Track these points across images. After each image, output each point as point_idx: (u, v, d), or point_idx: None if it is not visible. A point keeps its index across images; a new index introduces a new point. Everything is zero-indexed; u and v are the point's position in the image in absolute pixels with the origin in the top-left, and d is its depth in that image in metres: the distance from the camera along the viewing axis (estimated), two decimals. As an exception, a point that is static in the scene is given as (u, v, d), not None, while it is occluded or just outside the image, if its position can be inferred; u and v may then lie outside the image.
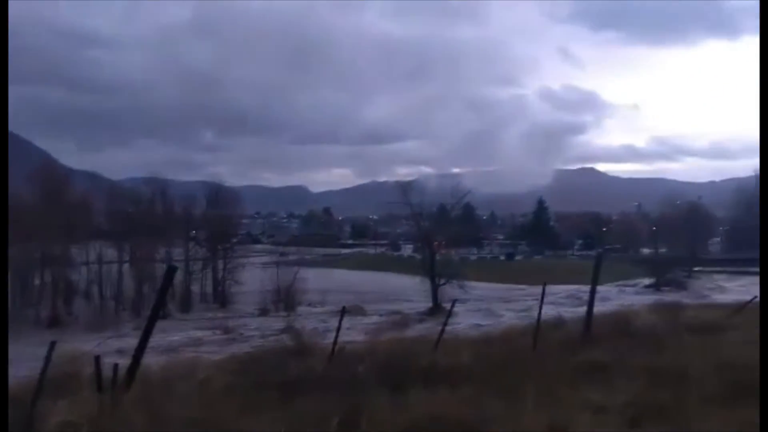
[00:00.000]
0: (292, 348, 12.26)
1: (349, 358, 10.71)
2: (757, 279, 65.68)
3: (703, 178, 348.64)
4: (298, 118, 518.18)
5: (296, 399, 8.25)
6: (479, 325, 27.75)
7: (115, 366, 7.52)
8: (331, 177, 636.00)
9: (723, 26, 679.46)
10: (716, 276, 76.16)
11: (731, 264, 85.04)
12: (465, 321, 34.39)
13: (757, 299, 16.68)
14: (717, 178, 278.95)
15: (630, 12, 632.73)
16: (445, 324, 11.97)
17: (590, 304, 11.96)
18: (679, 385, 7.80)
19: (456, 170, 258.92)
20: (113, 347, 19.95)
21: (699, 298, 42.05)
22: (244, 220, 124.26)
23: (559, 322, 14.11)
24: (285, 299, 55.65)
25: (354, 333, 20.49)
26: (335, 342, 10.68)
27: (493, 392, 8.13)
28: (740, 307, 15.04)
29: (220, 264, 65.19)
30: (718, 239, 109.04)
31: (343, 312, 11.40)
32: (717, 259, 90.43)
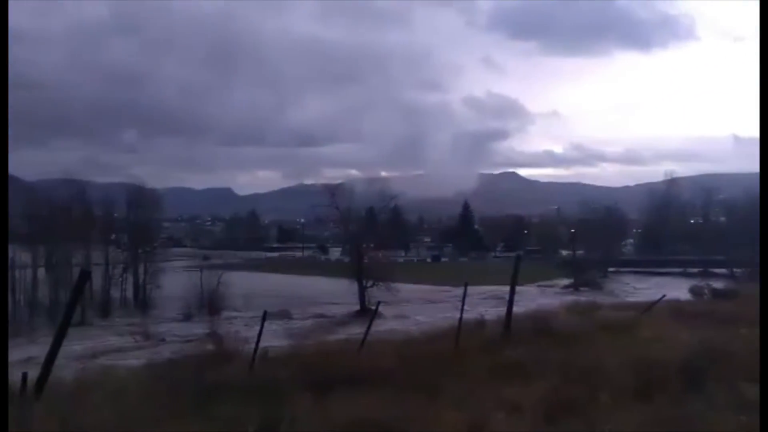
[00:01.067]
0: (212, 353, 12.00)
1: (271, 363, 10.57)
2: (666, 279, 69.27)
3: (618, 182, 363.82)
4: (224, 119, 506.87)
5: (214, 406, 8.07)
6: (404, 327, 27.93)
7: (24, 375, 7.14)
8: (257, 179, 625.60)
9: (634, 39, 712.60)
10: (629, 276, 79.71)
11: (644, 265, 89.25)
12: (391, 323, 34.62)
13: (665, 298, 17.59)
14: (631, 183, 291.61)
15: (545, 23, 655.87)
16: (369, 326, 11.98)
17: (510, 304, 12.25)
18: (592, 381, 8.08)
19: (384, 174, 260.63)
20: (23, 355, 19.00)
21: (613, 298, 43.93)
22: (167, 224, 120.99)
23: (480, 323, 14.37)
24: (209, 304, 54.38)
25: (279, 337, 20.28)
26: (256, 347, 10.51)
27: (415, 393, 8.21)
28: (649, 306, 15.76)
29: (142, 268, 63.15)
30: (632, 241, 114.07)
31: (265, 316, 11.21)
32: (630, 260, 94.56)
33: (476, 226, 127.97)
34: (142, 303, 60.45)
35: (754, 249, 50.95)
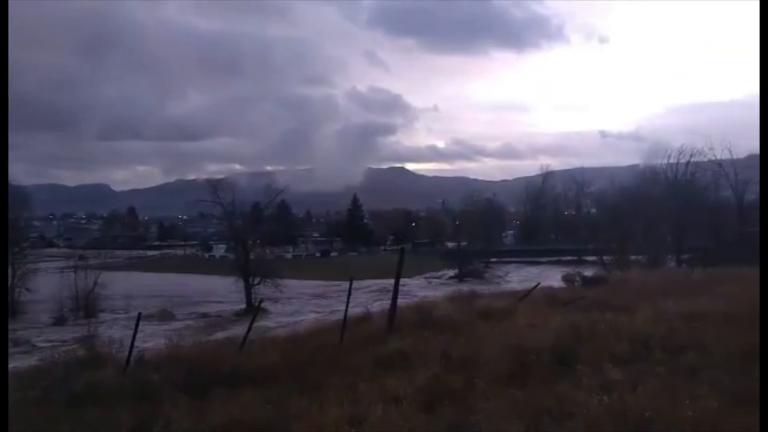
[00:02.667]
0: (84, 358, 11.33)
1: (147, 366, 10.12)
2: (543, 268, 72.83)
3: (497, 176, 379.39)
4: (99, 113, 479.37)
5: (85, 412, 7.67)
6: (291, 323, 27.70)
7: None
8: (136, 175, 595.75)
9: (509, 39, 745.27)
10: (510, 266, 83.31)
11: (523, 255, 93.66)
12: (277, 320, 34.26)
13: (540, 286, 18.48)
14: (509, 177, 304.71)
15: (424, 21, 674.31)
16: (251, 325, 11.74)
17: (394, 297, 12.40)
18: (471, 369, 8.34)
19: (269, 168, 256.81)
20: None
21: (494, 287, 45.75)
22: (36, 222, 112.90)
23: (366, 316, 14.48)
24: (84, 306, 51.30)
25: (159, 339, 19.46)
26: (131, 349, 10.01)
27: (298, 390, 8.14)
28: (525, 294, 16.49)
29: (9, 270, 58.48)
30: (512, 232, 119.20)
31: (139, 318, 10.69)
32: (510, 250, 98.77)
33: (365, 220, 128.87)
34: (11, 307, 56.08)
35: (621, 238, 54.80)
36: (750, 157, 63.58)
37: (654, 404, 5.90)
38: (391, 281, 12.72)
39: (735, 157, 63.11)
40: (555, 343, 8.99)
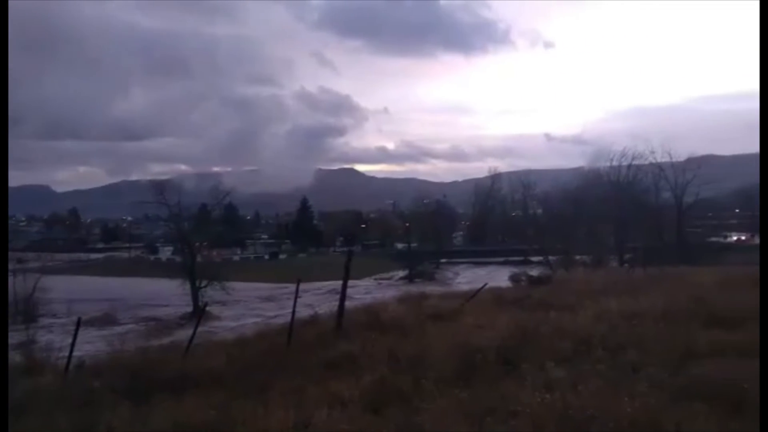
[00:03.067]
0: (22, 365, 10.92)
1: (87, 372, 9.81)
2: (491, 268, 73.80)
3: (447, 178, 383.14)
4: (39, 112, 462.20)
5: (23, 419, 7.39)
6: (238, 327, 27.28)
7: None
8: (78, 176, 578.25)
9: (457, 42, 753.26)
10: (460, 267, 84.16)
11: (472, 255, 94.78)
12: (224, 323, 33.68)
13: (488, 286, 18.69)
14: (459, 179, 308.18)
15: (373, 23, 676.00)
16: (195, 329, 11.51)
17: (342, 298, 12.36)
18: (419, 369, 8.36)
19: (216, 169, 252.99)
20: None
21: (443, 287, 46.12)
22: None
23: (314, 319, 14.37)
24: (23, 311, 49.37)
25: (100, 344, 18.91)
26: (70, 356, 9.68)
27: (243, 394, 8.02)
28: (473, 295, 16.65)
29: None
30: (462, 233, 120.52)
31: (79, 323, 10.35)
32: (460, 250, 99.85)
33: (315, 222, 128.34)
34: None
35: (566, 238, 56.01)
36: (689, 160, 66.01)
37: (595, 402, 6.03)
38: (341, 282, 12.68)
39: (674, 160, 65.40)
40: (501, 343, 9.10)
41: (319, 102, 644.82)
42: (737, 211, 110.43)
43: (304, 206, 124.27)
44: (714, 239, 74.05)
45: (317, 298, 38.94)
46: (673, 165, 65.00)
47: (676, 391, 6.62)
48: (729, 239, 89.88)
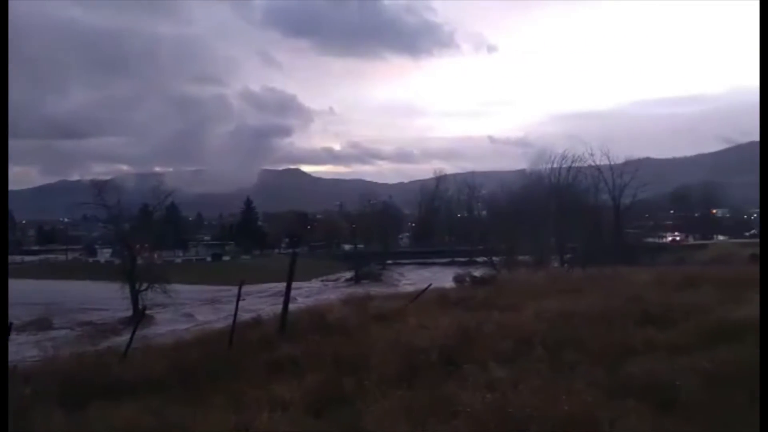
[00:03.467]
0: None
1: (18, 379, 9.40)
2: (437, 269, 74.45)
3: (393, 179, 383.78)
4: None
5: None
6: (178, 330, 26.70)
7: None
8: (11, 175, 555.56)
9: (403, 44, 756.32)
10: (406, 267, 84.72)
11: (418, 256, 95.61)
12: (165, 327, 32.92)
13: (432, 287, 18.82)
14: (405, 180, 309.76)
15: (318, 23, 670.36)
16: (134, 333, 11.20)
17: (286, 301, 12.23)
18: (362, 371, 8.35)
19: (158, 170, 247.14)
20: None
21: (390, 288, 46.28)
22: None
23: (257, 321, 14.20)
24: (-51, 318, 47.19)
25: (34, 350, 18.24)
26: None
27: (183, 399, 7.86)
28: (417, 295, 16.73)
29: None
30: (408, 234, 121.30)
31: (11, 327, 9.89)
32: (406, 251, 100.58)
33: (259, 223, 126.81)
34: None
35: (509, 239, 57.05)
36: (626, 163, 68.19)
37: (534, 400, 6.14)
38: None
39: (612, 162, 67.46)
40: (443, 343, 9.17)
41: (265, 102, 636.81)
42: (672, 212, 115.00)
43: (249, 207, 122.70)
44: (650, 240, 76.74)
45: (262, 300, 38.65)
46: (612, 167, 67.06)
47: (611, 388, 6.81)
48: (664, 240, 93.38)
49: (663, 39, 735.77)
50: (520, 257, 53.24)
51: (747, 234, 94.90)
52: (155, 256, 55.84)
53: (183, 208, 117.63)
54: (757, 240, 72.81)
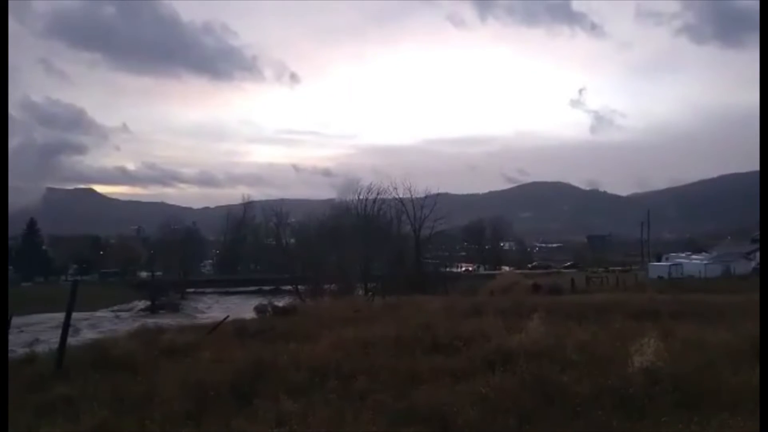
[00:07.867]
0: None
1: None
2: (241, 298, 72.90)
3: (198, 204, 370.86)
4: None
5: None
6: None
7: None
8: None
9: (202, 66, 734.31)
10: (208, 297, 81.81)
11: (222, 285, 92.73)
12: None
13: (231, 318, 18.30)
14: (211, 205, 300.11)
15: (109, 37, 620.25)
16: None
17: (63, 334, 11.16)
18: (145, 410, 7.84)
19: None
20: None
21: (187, 319, 44.22)
22: None
23: (30, 358, 12.74)
24: None
25: None
26: None
27: None
28: (214, 328, 16.14)
29: None
30: (211, 261, 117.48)
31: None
32: (210, 280, 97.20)
33: (44, 247, 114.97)
34: None
35: (316, 268, 57.54)
36: (426, 197, 72.48)
37: (321, 432, 6.16)
38: (76, 315, 11.42)
39: (414, 196, 71.38)
40: (235, 378, 8.93)
41: (49, 115, 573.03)
42: (465, 244, 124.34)
43: (31, 229, 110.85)
44: (446, 269, 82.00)
45: (45, 332, 34.88)
46: (413, 201, 70.92)
47: (397, 415, 7.06)
48: (458, 269, 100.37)
49: (453, 82, 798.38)
50: (326, 286, 53.90)
51: (530, 266, 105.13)
52: None
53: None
54: (537, 271, 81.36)
